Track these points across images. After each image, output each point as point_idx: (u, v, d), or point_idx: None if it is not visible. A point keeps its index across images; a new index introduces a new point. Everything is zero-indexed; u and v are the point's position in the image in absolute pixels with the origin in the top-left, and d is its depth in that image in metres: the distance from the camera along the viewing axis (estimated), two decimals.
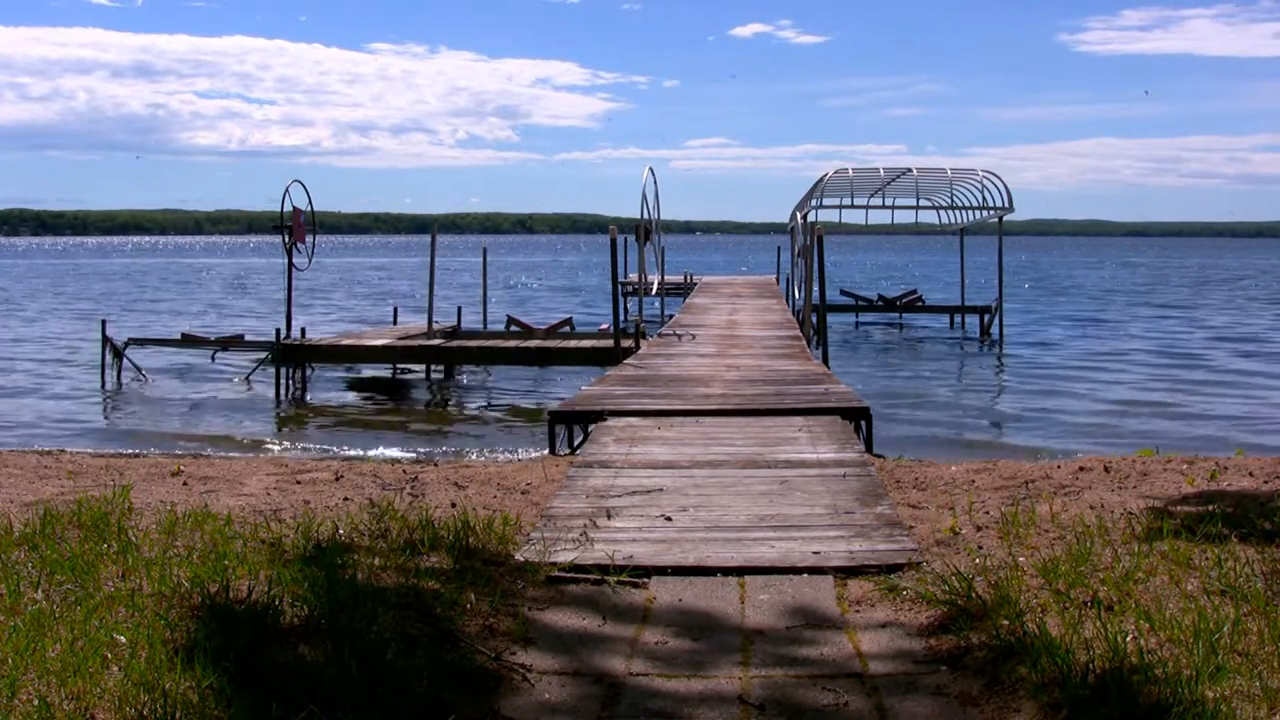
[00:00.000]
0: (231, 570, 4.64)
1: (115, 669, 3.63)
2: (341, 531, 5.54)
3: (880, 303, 32.32)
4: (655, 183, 22.45)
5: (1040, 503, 6.41)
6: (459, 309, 22.22)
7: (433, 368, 19.60)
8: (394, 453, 12.04)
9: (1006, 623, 4.15)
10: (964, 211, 27.81)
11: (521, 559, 5.30)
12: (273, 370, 17.61)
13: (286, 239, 18.40)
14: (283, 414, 16.35)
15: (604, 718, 3.69)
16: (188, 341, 19.68)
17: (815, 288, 17.21)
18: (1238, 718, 3.33)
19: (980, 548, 5.41)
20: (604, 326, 22.48)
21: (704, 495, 6.75)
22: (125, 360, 18.96)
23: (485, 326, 23.10)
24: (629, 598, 4.92)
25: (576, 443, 10.22)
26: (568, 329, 22.05)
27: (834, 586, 5.03)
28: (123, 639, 3.85)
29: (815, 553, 5.45)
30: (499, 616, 4.52)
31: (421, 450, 12.41)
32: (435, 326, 20.40)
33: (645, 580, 5.13)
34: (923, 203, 28.94)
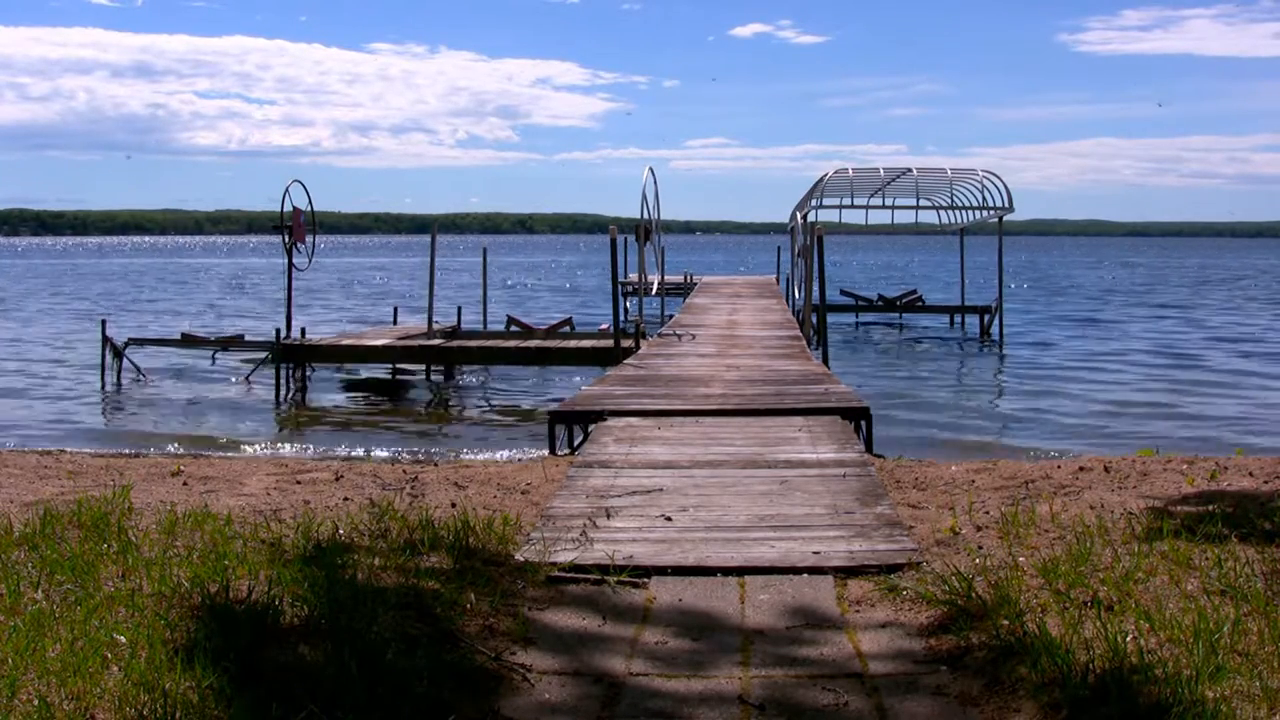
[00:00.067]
0: (231, 570, 4.64)
1: (115, 669, 3.63)
2: (341, 531, 5.54)
3: (880, 303, 32.34)
4: (655, 183, 22.50)
5: (1040, 503, 6.41)
6: (459, 309, 22.22)
7: (432, 368, 19.58)
8: (394, 453, 12.04)
9: (1006, 623, 4.15)
10: (964, 211, 27.79)
11: (521, 559, 5.30)
12: (272, 370, 17.58)
13: (286, 239, 18.39)
14: (282, 414, 16.34)
15: (604, 718, 3.69)
16: (187, 341, 19.67)
17: (815, 288, 17.22)
18: (1238, 718, 3.33)
19: (980, 548, 5.42)
20: (604, 326, 22.45)
21: (704, 495, 6.75)
22: (125, 360, 18.95)
23: (485, 327, 23.08)
24: (629, 598, 4.93)
25: (576, 443, 10.23)
26: (568, 329, 22.05)
27: (834, 586, 5.03)
28: (123, 639, 3.85)
29: (815, 553, 5.45)
30: (499, 616, 4.53)
31: (421, 450, 12.40)
32: (435, 326, 20.39)
33: (645, 580, 5.13)
34: (923, 203, 28.92)
